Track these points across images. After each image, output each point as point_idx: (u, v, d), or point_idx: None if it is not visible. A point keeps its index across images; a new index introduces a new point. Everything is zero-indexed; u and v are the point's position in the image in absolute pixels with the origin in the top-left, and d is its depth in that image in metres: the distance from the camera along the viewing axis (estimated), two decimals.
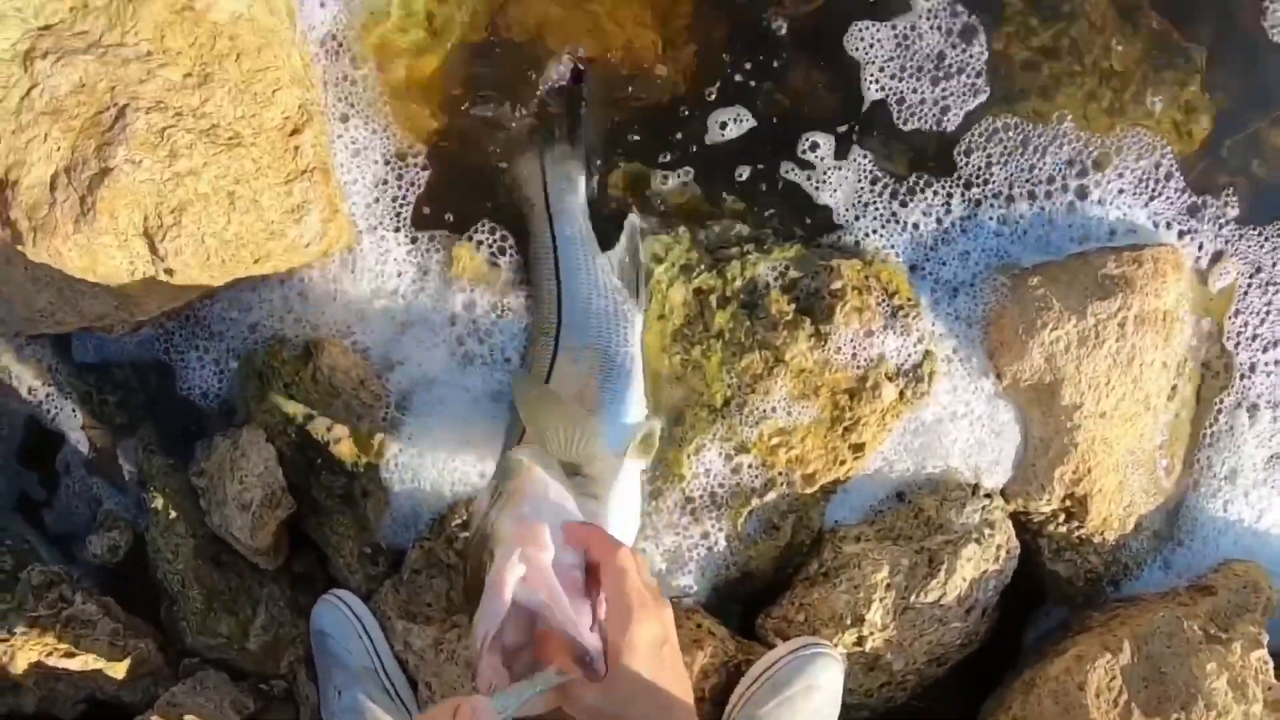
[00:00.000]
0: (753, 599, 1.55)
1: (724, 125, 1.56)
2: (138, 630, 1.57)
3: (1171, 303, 1.49)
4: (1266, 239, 1.57)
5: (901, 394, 1.49)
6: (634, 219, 1.54)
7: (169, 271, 1.40)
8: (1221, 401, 1.58)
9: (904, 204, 1.55)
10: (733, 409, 1.47)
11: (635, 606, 0.91)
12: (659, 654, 0.91)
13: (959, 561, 1.45)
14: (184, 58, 1.39)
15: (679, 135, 1.56)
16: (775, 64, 1.55)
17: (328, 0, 1.56)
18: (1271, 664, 1.42)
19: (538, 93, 1.56)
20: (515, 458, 1.10)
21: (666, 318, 1.51)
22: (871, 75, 1.55)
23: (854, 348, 1.47)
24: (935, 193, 1.55)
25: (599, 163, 1.56)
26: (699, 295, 1.51)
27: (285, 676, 1.60)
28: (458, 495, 1.52)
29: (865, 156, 1.55)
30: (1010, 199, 1.55)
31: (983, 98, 1.55)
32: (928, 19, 1.54)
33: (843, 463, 1.49)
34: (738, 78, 1.56)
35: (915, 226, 1.55)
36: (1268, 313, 1.58)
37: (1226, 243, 1.57)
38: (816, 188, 1.55)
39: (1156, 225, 1.56)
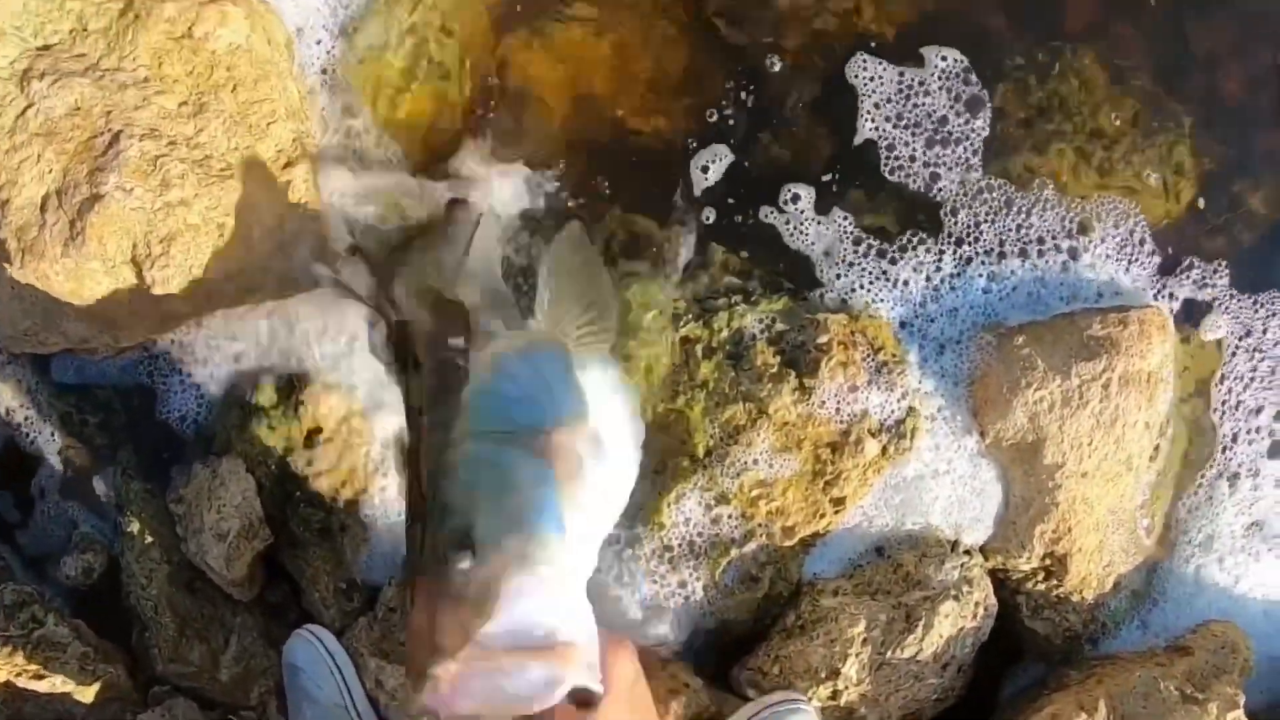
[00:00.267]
0: (729, 649, 1.54)
1: (705, 169, 1.55)
2: (108, 655, 1.56)
3: (1156, 364, 1.49)
4: (1257, 303, 1.58)
5: (884, 449, 1.49)
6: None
7: (156, 300, 1.39)
8: (1205, 467, 1.59)
9: (894, 261, 1.55)
10: (714, 459, 1.47)
11: (608, 646, 0.90)
12: (632, 693, 0.91)
13: (936, 618, 1.44)
14: (180, 86, 1.39)
15: (666, 182, 1.56)
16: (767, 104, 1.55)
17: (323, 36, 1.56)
18: None
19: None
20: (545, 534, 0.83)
21: (653, 369, 1.51)
22: (868, 112, 1.55)
23: (838, 402, 1.47)
24: (928, 250, 1.55)
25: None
26: (685, 344, 1.51)
27: (255, 708, 1.59)
28: None
29: (845, 217, 1.55)
30: (1001, 255, 1.55)
31: (975, 174, 1.55)
32: (939, 79, 1.54)
33: (823, 516, 1.49)
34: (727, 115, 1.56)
35: (905, 283, 1.55)
36: (1252, 378, 1.59)
37: (1212, 305, 1.57)
38: (800, 236, 1.55)
39: (1142, 287, 1.56)
